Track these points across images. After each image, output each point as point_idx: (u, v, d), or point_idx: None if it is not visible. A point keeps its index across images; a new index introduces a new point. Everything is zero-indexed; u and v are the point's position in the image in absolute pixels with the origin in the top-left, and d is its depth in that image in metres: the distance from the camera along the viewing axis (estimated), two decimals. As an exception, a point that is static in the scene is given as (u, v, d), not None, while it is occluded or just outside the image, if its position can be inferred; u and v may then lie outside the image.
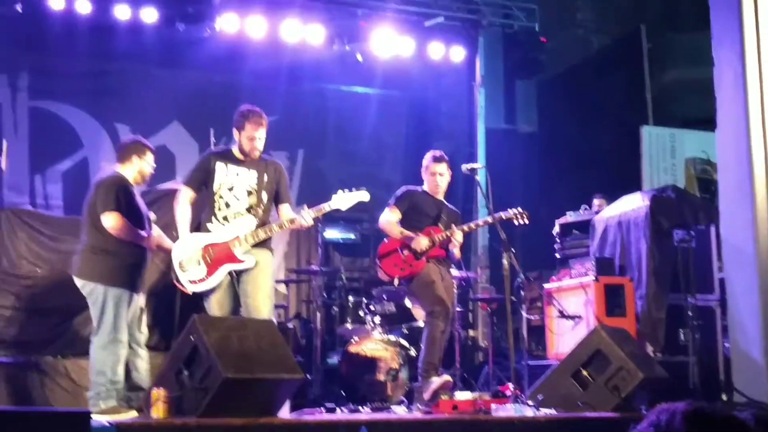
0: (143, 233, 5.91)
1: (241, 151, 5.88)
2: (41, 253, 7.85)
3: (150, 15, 9.07)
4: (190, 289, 5.79)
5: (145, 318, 6.12)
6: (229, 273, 5.78)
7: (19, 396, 6.91)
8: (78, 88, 9.61)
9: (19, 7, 8.72)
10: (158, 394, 4.75)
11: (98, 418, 4.45)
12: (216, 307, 5.80)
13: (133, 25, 9.11)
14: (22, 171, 9.25)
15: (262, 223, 5.80)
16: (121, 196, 5.78)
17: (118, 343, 5.63)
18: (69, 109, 9.57)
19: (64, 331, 7.60)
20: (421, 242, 6.33)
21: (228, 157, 5.94)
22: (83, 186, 9.25)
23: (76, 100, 9.60)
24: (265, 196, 5.88)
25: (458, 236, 6.45)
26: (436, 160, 6.63)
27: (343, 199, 6.07)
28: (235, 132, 5.90)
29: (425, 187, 6.65)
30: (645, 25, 10.54)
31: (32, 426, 3.72)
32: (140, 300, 6.04)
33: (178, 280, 5.82)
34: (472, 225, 6.98)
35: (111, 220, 5.70)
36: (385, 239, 6.67)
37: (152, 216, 6.18)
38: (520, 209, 6.46)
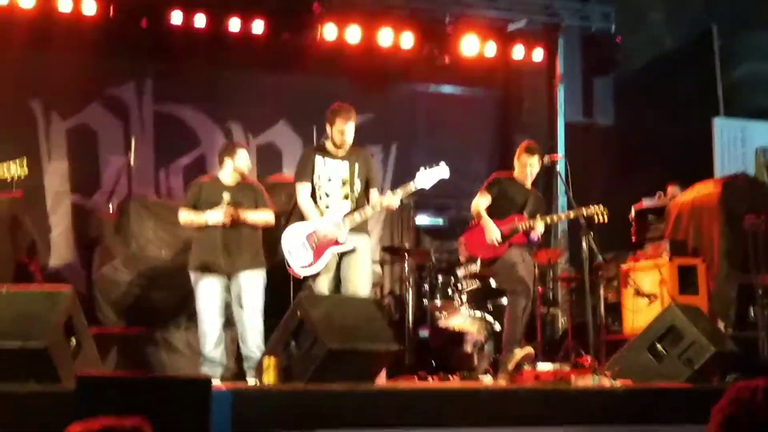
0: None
1: (334, 144, 6.06)
2: (165, 238, 8.06)
3: (258, 27, 9.28)
4: (302, 273, 5.99)
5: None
6: (335, 255, 5.96)
7: (146, 364, 7.17)
8: (196, 92, 9.75)
9: (144, 22, 9.04)
10: (269, 362, 4.95)
11: (217, 385, 4.58)
12: (322, 286, 5.97)
13: (243, 35, 9.33)
14: (148, 166, 9.44)
15: (357, 208, 5.93)
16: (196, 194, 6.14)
17: None
18: (188, 111, 9.73)
19: (185, 307, 7.86)
20: (493, 235, 6.39)
21: (324, 150, 6.13)
22: (200, 180, 9.57)
23: (194, 103, 9.74)
24: (357, 184, 6.01)
25: (540, 227, 6.49)
26: (529, 151, 6.67)
27: (426, 177, 6.14)
28: (327, 127, 6.07)
29: (515, 173, 6.69)
30: (716, 25, 10.37)
31: (159, 391, 3.77)
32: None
33: (289, 266, 6.01)
34: (555, 217, 7.02)
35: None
36: (471, 224, 6.75)
37: (226, 196, 6.12)
38: (601, 206, 6.41)
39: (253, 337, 6.04)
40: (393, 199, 6.01)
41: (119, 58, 9.39)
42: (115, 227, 8.01)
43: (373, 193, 6.14)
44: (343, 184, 6.04)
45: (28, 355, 4.33)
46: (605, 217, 6.46)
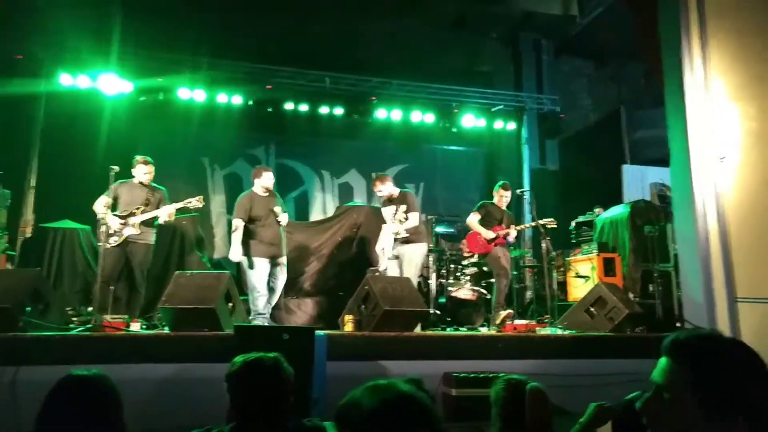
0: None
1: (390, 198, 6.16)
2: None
3: (339, 110, 9.40)
4: (384, 265, 6.06)
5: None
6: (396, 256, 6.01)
7: (275, 320, 7.11)
8: (301, 150, 9.80)
9: (270, 109, 9.19)
10: (348, 318, 4.95)
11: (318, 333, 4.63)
12: (392, 271, 6.02)
13: (329, 115, 9.44)
14: (273, 197, 9.58)
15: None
16: (246, 204, 5.73)
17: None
18: (296, 163, 9.78)
19: (299, 283, 7.88)
20: (488, 236, 6.36)
21: (387, 202, 6.20)
22: (304, 206, 9.67)
23: (300, 157, 9.79)
24: (402, 216, 6.00)
25: (513, 233, 6.46)
26: (505, 187, 6.65)
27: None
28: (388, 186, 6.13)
29: (495, 201, 6.66)
30: (623, 105, 10.25)
31: (279, 336, 3.73)
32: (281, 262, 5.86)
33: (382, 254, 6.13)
34: (523, 226, 6.97)
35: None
36: (470, 231, 6.73)
37: (277, 209, 5.77)
38: (552, 219, 6.45)
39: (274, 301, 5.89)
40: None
41: (255, 131, 9.50)
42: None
43: (411, 216, 6.05)
44: (394, 215, 6.07)
45: (204, 313, 4.35)
46: (555, 225, 6.43)
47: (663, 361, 1.24)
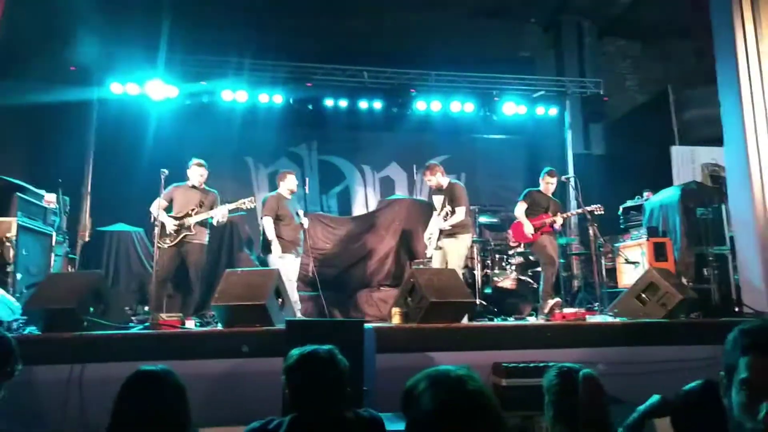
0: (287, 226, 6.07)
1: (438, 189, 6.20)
2: (327, 236, 8.22)
3: (378, 104, 9.41)
4: (431, 253, 6.14)
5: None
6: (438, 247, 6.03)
7: (323, 314, 7.15)
8: (342, 146, 9.88)
9: (310, 106, 9.30)
10: (395, 311, 4.97)
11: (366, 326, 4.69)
12: (435, 263, 6.04)
13: (369, 109, 9.46)
14: (315, 193, 9.62)
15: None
16: (273, 205, 6.05)
17: None
18: (338, 159, 9.88)
19: (344, 278, 7.95)
20: (527, 230, 6.28)
21: (436, 191, 6.24)
22: (347, 201, 9.74)
23: (341, 153, 9.88)
24: (448, 209, 6.01)
25: (559, 221, 6.37)
26: (550, 174, 6.55)
27: None
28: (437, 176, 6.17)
29: (540, 188, 6.57)
30: (670, 85, 9.90)
31: (334, 328, 3.89)
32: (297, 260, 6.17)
33: (426, 248, 6.21)
34: (569, 214, 6.86)
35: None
36: (515, 221, 6.67)
37: (300, 212, 6.24)
38: (599, 205, 6.32)
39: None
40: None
41: (296, 128, 9.61)
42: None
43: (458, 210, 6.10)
44: (442, 207, 6.12)
45: (255, 309, 4.42)
46: (602, 211, 6.31)
47: (747, 360, 1.20)
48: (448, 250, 6.00)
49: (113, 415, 1.91)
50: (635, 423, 2.27)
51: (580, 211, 6.54)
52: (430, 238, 6.17)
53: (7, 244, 4.94)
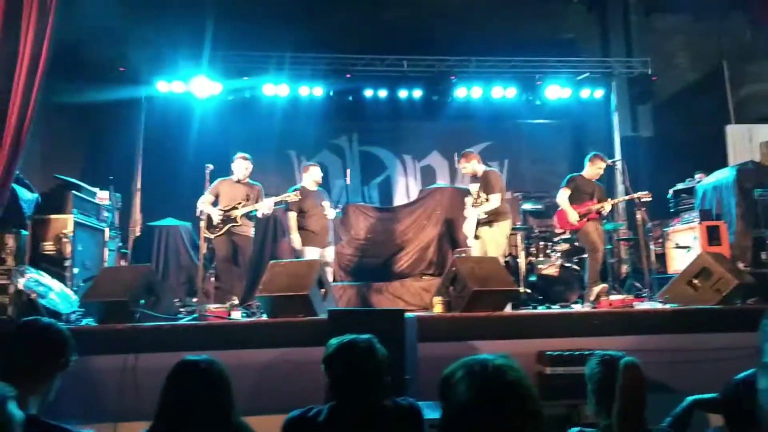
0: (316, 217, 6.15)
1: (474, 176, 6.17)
2: (368, 227, 8.28)
3: (418, 93, 9.35)
4: (471, 243, 6.15)
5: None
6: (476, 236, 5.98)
7: (365, 304, 7.28)
8: (382, 137, 9.85)
9: (350, 98, 9.33)
10: (437, 299, 4.96)
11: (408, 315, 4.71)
12: (475, 253, 5.99)
13: (409, 99, 9.41)
14: (356, 183, 9.66)
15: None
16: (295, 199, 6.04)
17: None
18: (379, 149, 9.86)
19: (386, 267, 8.01)
20: (572, 217, 6.14)
21: (473, 179, 6.24)
22: (388, 191, 9.75)
23: (382, 143, 9.85)
24: (483, 197, 5.96)
25: (607, 207, 6.22)
26: (602, 158, 6.39)
27: None
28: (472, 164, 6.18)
29: (585, 173, 6.41)
30: (725, 61, 9.45)
31: (376, 317, 3.88)
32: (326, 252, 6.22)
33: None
34: (615, 201, 6.68)
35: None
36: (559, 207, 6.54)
37: (326, 203, 6.28)
38: (646, 192, 6.13)
39: None
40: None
41: (337, 120, 9.64)
42: (340, 222, 8.19)
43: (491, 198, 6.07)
44: (478, 197, 6.09)
45: (298, 299, 4.48)
46: (649, 198, 6.12)
47: None
48: (486, 239, 5.96)
49: (159, 404, 1.99)
50: (683, 412, 2.21)
51: (627, 197, 6.35)
52: (469, 228, 6.14)
53: (65, 240, 5.19)
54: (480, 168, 6.16)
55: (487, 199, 5.96)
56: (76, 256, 5.38)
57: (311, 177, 6.35)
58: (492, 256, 5.68)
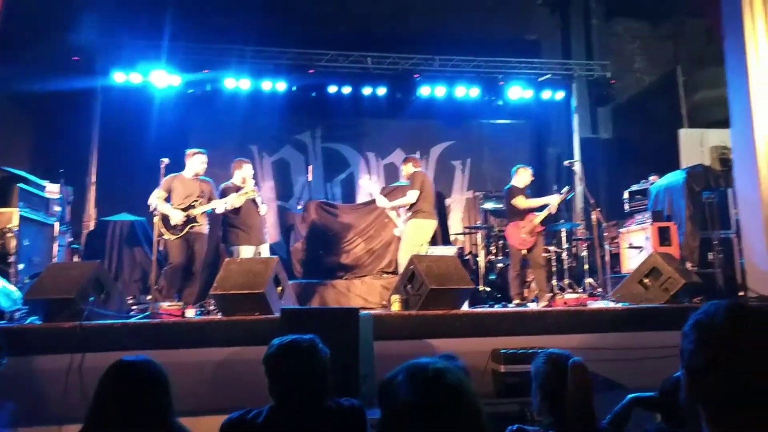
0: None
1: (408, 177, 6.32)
2: (327, 223, 8.18)
3: (382, 91, 9.31)
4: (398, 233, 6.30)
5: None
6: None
7: (324, 301, 7.12)
8: (345, 133, 9.80)
9: (314, 93, 9.23)
10: (395, 298, 4.94)
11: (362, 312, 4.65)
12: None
13: (373, 96, 9.37)
14: (319, 181, 9.58)
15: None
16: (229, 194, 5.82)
17: None
18: (341, 146, 9.80)
19: (347, 265, 7.93)
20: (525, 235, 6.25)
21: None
22: (350, 188, 9.70)
23: (345, 140, 9.79)
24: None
25: (553, 210, 6.36)
26: (524, 168, 6.61)
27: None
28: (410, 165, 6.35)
29: (517, 182, 6.58)
30: (680, 66, 9.72)
31: (329, 316, 3.87)
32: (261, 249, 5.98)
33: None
34: (559, 198, 6.62)
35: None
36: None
37: (259, 199, 5.99)
38: (567, 188, 6.41)
39: None
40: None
41: (300, 116, 9.55)
42: (302, 218, 8.12)
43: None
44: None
45: (254, 297, 4.43)
46: (572, 193, 6.30)
47: None
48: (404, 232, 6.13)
49: (91, 406, 1.92)
50: (622, 410, 2.25)
51: (556, 196, 6.37)
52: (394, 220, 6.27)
53: (9, 234, 4.98)
54: (413, 170, 6.28)
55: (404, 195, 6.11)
56: (22, 252, 5.17)
57: (243, 173, 6.07)
58: (402, 248, 5.78)
